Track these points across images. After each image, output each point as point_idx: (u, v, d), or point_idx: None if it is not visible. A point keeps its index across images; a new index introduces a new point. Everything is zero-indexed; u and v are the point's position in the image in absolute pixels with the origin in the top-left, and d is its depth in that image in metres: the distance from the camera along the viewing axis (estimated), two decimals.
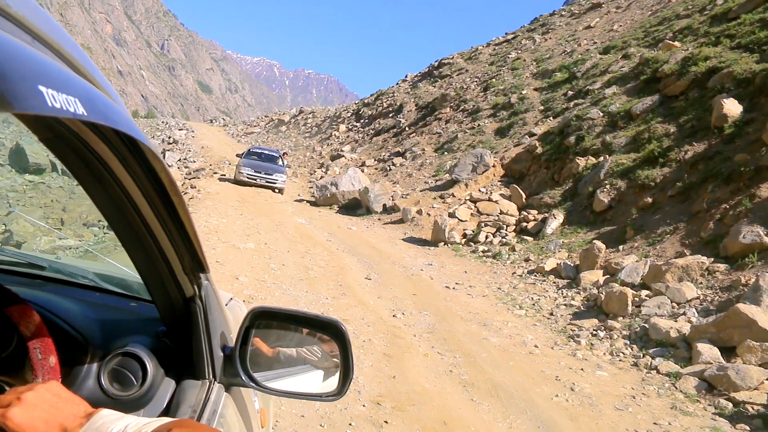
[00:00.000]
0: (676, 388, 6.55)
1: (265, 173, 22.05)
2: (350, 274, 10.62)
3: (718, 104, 12.03)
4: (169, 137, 37.83)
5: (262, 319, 1.62)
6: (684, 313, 8.07)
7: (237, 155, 25.07)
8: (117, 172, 1.16)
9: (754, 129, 11.05)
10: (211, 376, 1.54)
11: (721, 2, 18.86)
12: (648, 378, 6.87)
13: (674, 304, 8.42)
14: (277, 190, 22.10)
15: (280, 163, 24.18)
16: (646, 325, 7.96)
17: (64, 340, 1.43)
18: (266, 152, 24.86)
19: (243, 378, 1.57)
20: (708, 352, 6.90)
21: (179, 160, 27.77)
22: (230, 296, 2.39)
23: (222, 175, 23.54)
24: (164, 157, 25.99)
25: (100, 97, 0.81)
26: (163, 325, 1.57)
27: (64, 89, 0.65)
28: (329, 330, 1.64)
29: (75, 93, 0.68)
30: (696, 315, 7.96)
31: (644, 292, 8.96)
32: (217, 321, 1.58)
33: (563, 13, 36.99)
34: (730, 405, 6.05)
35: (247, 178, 21.81)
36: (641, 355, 7.44)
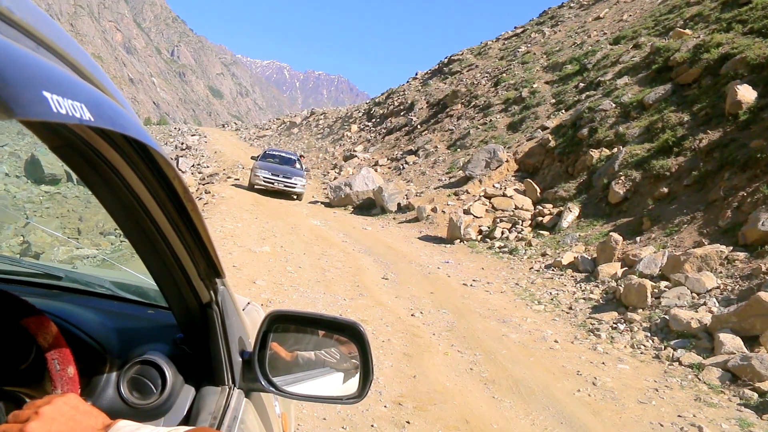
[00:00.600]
0: (700, 379, 6.48)
1: (283, 177, 20.34)
2: (367, 274, 10.61)
3: (731, 91, 11.90)
4: (182, 143, 38.03)
5: (280, 323, 1.62)
6: (704, 303, 7.99)
7: (252, 158, 23.19)
8: (129, 179, 1.15)
9: None
10: (230, 382, 1.53)
11: None
12: (670, 370, 6.81)
13: (694, 295, 8.34)
14: (295, 196, 20.75)
15: (298, 166, 22.36)
16: (666, 317, 7.89)
17: (83, 350, 1.42)
18: (283, 155, 23.30)
19: (262, 383, 1.56)
20: (730, 342, 6.82)
21: (193, 165, 27.87)
22: (247, 300, 2.39)
23: (236, 179, 23.49)
24: (178, 163, 26.12)
25: (108, 103, 0.80)
26: (181, 332, 1.57)
27: (70, 95, 0.64)
28: (347, 332, 1.63)
29: (81, 98, 0.67)
30: (717, 305, 7.88)
31: (663, 284, 8.88)
32: (235, 326, 1.57)
33: (572, 4, 36.75)
34: (756, 395, 5.98)
35: (264, 182, 20.19)
36: (662, 347, 7.38)
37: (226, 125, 72.82)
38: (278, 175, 20.33)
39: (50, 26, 0.76)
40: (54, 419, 0.97)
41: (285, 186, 20.31)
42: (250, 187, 20.76)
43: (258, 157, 22.58)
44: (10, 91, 0.52)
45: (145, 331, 1.65)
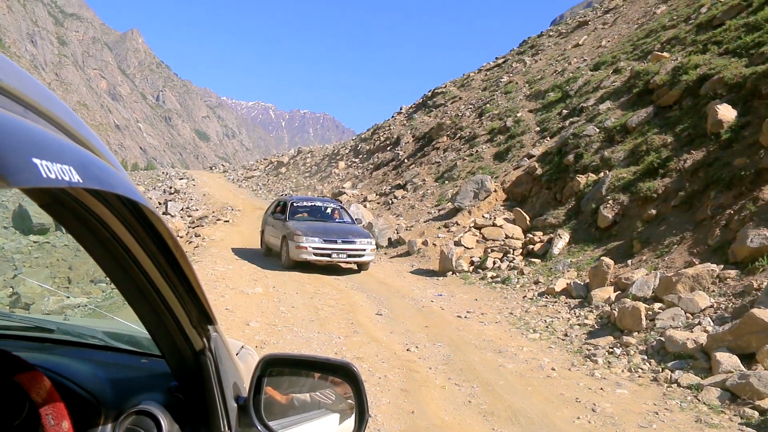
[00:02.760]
0: (699, 400, 6.46)
1: (344, 242, 13.75)
2: (361, 310, 10.57)
3: (712, 110, 12.07)
4: (170, 187, 38.03)
5: (274, 367, 1.62)
6: (699, 323, 8.00)
7: (275, 217, 15.23)
8: (118, 232, 1.17)
9: (750, 132, 11.08)
10: (226, 429, 1.53)
11: (705, 10, 19.05)
12: (669, 392, 6.79)
13: (688, 315, 8.35)
14: (356, 266, 14.54)
15: (346, 217, 15.96)
16: (662, 339, 7.89)
17: (77, 403, 1.41)
18: (318, 203, 16.41)
19: (259, 428, 1.56)
20: (727, 360, 6.82)
21: (182, 209, 27.79)
22: (241, 344, 2.38)
23: (225, 221, 23.27)
24: (167, 207, 26.01)
25: (96, 163, 0.82)
26: (175, 380, 1.56)
27: (59, 159, 0.66)
28: (341, 372, 1.63)
29: (69, 161, 0.69)
30: (711, 324, 7.89)
31: (657, 305, 8.90)
32: (229, 372, 1.57)
33: (551, 33, 37.35)
34: (757, 414, 5.96)
35: (315, 255, 13.48)
36: (660, 369, 7.36)
37: (213, 167, 72.96)
38: (336, 241, 13.69)
39: (36, 88, 0.78)
40: None
41: (350, 255, 13.83)
42: (288, 265, 13.87)
43: (281, 209, 15.50)
44: (0, 160, 0.54)
45: (140, 380, 1.64)
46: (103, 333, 2.08)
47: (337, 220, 15.55)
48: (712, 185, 10.97)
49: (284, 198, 16.80)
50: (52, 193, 1.06)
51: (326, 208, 16.09)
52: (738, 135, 11.36)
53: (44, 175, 0.60)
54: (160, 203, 28.05)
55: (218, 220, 23.74)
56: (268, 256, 15.52)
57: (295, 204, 15.49)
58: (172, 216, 24.59)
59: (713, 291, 8.66)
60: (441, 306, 11.35)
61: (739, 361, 6.82)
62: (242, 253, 15.86)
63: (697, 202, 11.04)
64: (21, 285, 17.34)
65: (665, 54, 17.66)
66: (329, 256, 13.47)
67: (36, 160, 0.60)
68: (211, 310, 1.43)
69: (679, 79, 14.84)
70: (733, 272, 8.78)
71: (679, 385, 6.87)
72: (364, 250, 13.88)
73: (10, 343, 1.77)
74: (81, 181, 0.69)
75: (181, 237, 19.02)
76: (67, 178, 0.66)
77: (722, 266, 9.05)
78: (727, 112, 11.84)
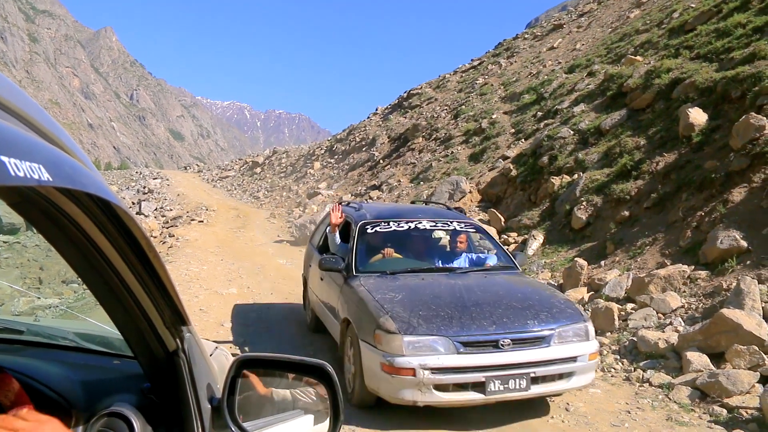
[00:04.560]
0: (670, 399, 6.55)
1: (516, 340, 5.40)
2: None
3: (683, 114, 12.22)
4: (144, 187, 37.65)
5: (248, 368, 1.61)
6: (671, 323, 8.10)
7: (325, 261, 6.73)
8: (90, 231, 1.15)
9: (720, 136, 11.24)
10: (199, 430, 1.52)
11: (677, 15, 19.30)
12: (641, 391, 6.87)
13: (660, 315, 8.45)
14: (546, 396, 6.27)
15: (491, 256, 7.47)
16: (634, 339, 7.98)
17: (47, 405, 1.40)
18: (420, 223, 7.28)
19: (233, 429, 1.55)
20: (697, 360, 6.92)
21: (156, 209, 27.49)
22: (215, 345, 2.36)
23: (200, 221, 23.01)
24: (140, 207, 25.72)
25: (66, 161, 0.81)
26: (148, 381, 1.55)
27: (28, 156, 0.65)
28: (316, 373, 1.62)
29: (39, 159, 0.68)
30: (682, 324, 8.00)
31: (630, 306, 8.99)
32: (203, 373, 1.56)
33: (526, 36, 37.57)
34: (725, 411, 6.06)
35: (441, 391, 5.17)
36: (632, 368, 7.44)
37: (188, 167, 72.35)
38: (497, 343, 5.34)
39: (6, 85, 0.77)
40: None
41: (536, 379, 5.52)
42: (362, 401, 5.72)
43: (341, 242, 7.49)
44: None
45: (112, 382, 1.63)
46: (75, 334, 2.06)
47: (466, 260, 7.30)
48: (683, 187, 11.11)
49: (346, 210, 7.91)
50: (21, 192, 1.04)
51: (434, 232, 7.78)
52: (709, 138, 11.52)
53: (12, 173, 0.59)
54: (133, 203, 27.74)
55: (192, 220, 23.50)
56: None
57: (368, 229, 7.15)
58: (145, 216, 24.31)
59: (684, 291, 8.77)
60: None
61: (708, 360, 6.93)
62: (216, 253, 15.65)
63: (669, 204, 11.18)
64: None
65: (638, 58, 17.85)
66: (481, 388, 5.31)
67: (3, 158, 0.59)
68: (185, 310, 1.42)
69: (651, 82, 15.01)
70: (703, 273, 8.91)
71: (650, 385, 6.95)
72: (574, 358, 5.69)
73: None
74: (51, 179, 0.68)
75: (155, 237, 18.84)
76: (36, 177, 0.65)
77: (693, 267, 9.17)
78: (698, 116, 12.01)
